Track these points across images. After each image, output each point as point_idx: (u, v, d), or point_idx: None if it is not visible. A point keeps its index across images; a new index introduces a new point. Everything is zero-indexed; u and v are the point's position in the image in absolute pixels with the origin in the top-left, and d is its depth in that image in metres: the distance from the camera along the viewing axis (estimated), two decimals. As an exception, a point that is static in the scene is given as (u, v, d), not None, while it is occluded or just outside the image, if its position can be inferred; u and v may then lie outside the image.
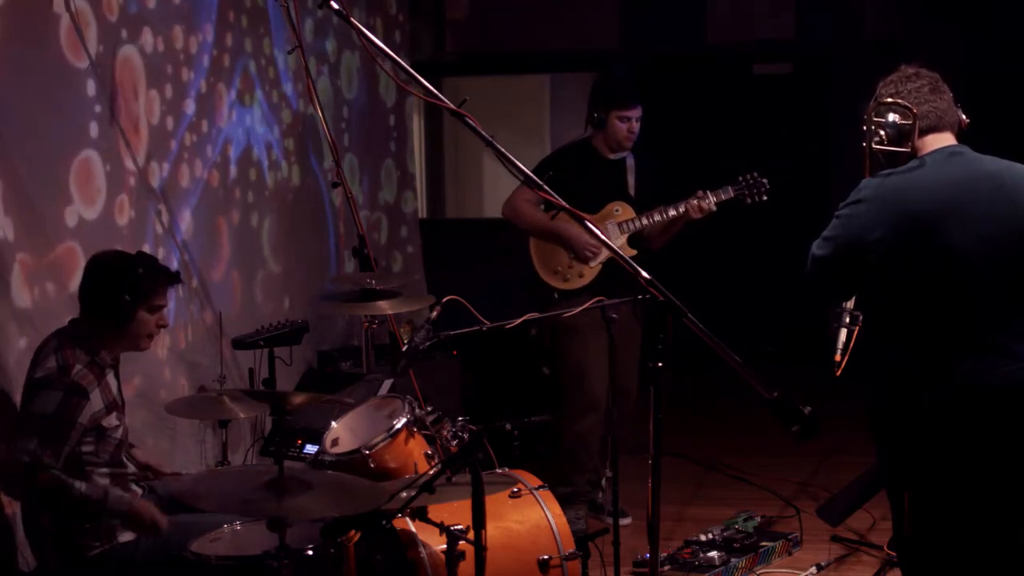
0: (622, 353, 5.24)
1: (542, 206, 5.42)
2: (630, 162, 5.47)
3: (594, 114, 5.38)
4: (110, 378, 3.74)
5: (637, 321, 5.38)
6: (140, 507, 3.62)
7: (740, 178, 5.35)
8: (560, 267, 5.39)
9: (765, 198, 5.35)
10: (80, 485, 3.52)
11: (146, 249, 4.69)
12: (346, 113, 7.10)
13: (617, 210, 5.34)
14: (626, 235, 5.35)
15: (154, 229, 4.97)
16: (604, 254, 5.30)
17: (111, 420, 3.68)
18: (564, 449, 5.44)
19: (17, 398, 3.83)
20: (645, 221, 5.30)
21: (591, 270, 5.34)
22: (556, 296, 5.35)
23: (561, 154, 5.59)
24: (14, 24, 4.10)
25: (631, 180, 5.45)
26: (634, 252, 5.32)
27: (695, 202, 5.23)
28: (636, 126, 5.36)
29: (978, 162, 3.23)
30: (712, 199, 5.25)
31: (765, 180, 5.34)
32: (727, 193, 5.31)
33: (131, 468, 3.83)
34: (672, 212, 5.26)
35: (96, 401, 3.62)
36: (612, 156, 5.42)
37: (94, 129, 4.55)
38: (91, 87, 4.51)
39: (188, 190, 5.27)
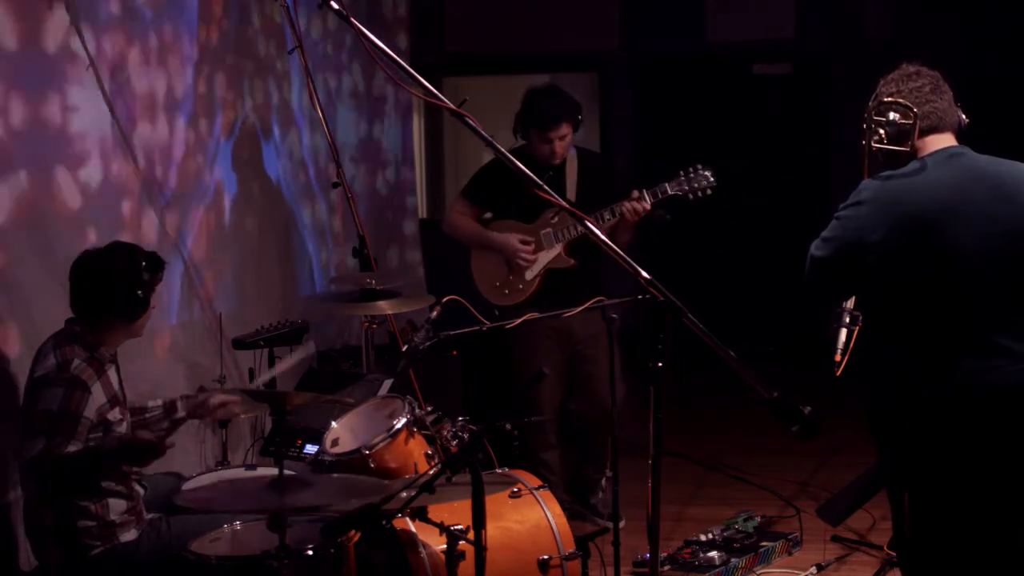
0: (593, 364, 5.14)
1: (488, 215, 5.27)
2: (571, 163, 5.20)
3: (515, 129, 5.16)
4: (111, 372, 3.75)
5: (606, 331, 5.09)
6: (129, 437, 3.63)
7: (681, 172, 5.00)
8: (499, 281, 5.20)
9: (710, 192, 4.98)
10: (71, 449, 3.52)
11: (147, 248, 4.68)
12: (347, 112, 7.09)
13: (554, 218, 5.09)
14: (562, 243, 5.13)
15: (154, 229, 4.97)
16: (540, 265, 5.14)
17: (115, 414, 3.69)
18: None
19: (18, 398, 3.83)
20: (581, 228, 5.13)
21: (529, 283, 5.15)
22: (497, 313, 5.06)
23: (498, 162, 5.47)
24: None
25: (572, 183, 5.20)
26: (572, 262, 5.13)
27: (629, 204, 4.97)
28: (560, 144, 5.07)
29: (978, 162, 3.23)
30: (648, 199, 4.98)
31: (708, 173, 4.97)
32: (663, 191, 4.99)
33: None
34: (608, 216, 4.98)
35: (99, 395, 3.62)
36: (553, 160, 5.15)
37: (95, 129, 4.54)
38: (92, 84, 4.51)
39: (189, 190, 5.26)
